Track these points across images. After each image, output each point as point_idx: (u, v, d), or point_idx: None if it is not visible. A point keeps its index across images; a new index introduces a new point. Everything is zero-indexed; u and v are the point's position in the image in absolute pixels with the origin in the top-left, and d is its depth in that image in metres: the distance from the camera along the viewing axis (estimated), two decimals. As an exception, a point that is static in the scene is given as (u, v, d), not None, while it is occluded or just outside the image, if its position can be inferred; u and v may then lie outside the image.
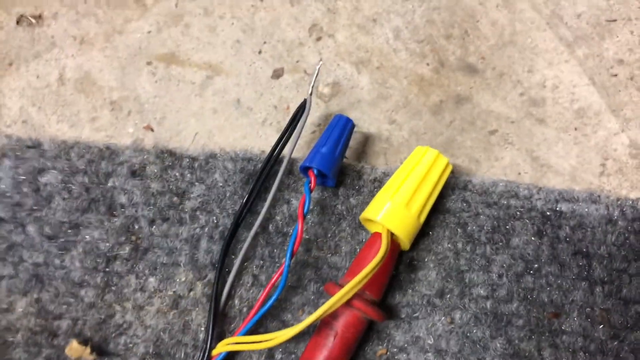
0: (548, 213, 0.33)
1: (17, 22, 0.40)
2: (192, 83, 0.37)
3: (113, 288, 0.30)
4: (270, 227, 0.32)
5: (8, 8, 0.40)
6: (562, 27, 0.38)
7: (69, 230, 0.31)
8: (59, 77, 0.38)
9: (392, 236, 0.30)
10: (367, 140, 0.36)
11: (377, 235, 0.30)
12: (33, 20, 0.40)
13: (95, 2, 0.40)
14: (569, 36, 0.38)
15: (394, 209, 0.29)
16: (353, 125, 0.33)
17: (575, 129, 0.36)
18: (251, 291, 0.31)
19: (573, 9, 0.39)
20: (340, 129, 0.32)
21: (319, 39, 0.38)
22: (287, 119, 0.36)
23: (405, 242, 0.30)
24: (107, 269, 0.30)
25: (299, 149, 0.34)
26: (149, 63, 0.38)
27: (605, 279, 0.32)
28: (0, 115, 0.37)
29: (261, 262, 0.31)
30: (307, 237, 0.32)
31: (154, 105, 0.37)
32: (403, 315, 0.31)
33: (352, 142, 0.35)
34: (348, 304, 0.29)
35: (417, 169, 0.30)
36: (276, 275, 0.30)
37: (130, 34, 0.39)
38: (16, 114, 0.37)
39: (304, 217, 0.30)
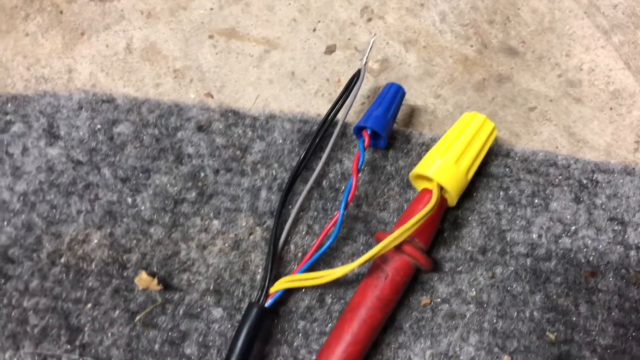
0: (585, 182, 0.35)
1: (90, -3, 0.43)
2: (251, 56, 0.40)
3: (179, 228, 0.32)
4: (324, 183, 0.34)
5: (81, -16, 0.43)
6: (599, 16, 0.41)
7: (141, 174, 0.33)
8: (126, 47, 0.41)
9: (441, 191, 0.32)
10: (413, 112, 0.38)
11: (426, 191, 0.32)
12: (104, -4, 0.43)
13: (162, -20, 0.43)
14: (606, 24, 0.40)
15: (444, 165, 0.31)
16: (404, 92, 0.35)
17: (611, 108, 0.38)
18: (306, 239, 0.33)
19: (610, 0, 0.41)
20: (392, 94, 0.35)
21: (369, 19, 0.41)
22: (338, 91, 0.39)
23: (452, 198, 0.32)
24: (175, 210, 0.33)
25: (350, 116, 0.37)
26: (210, 37, 0.41)
27: (639, 244, 0.33)
28: (71, 79, 0.40)
29: (315, 213, 0.34)
30: (357, 194, 0.34)
31: (214, 75, 0.40)
32: (447, 269, 0.33)
33: (400, 114, 0.37)
34: (398, 249, 0.31)
35: (466, 131, 0.33)
36: (330, 224, 0.32)
37: (194, 10, 0.42)
38: (86, 79, 0.40)
39: (358, 171, 0.32)
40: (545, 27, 0.41)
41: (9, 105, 0.35)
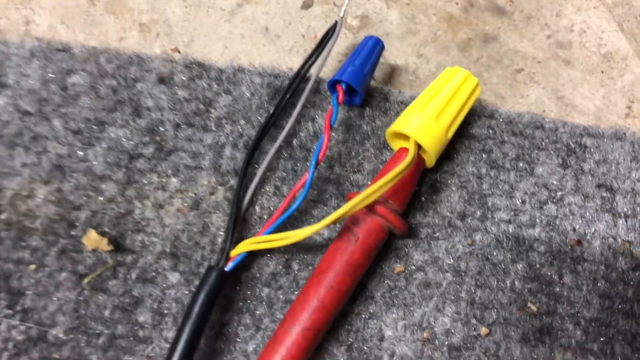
0: (573, 146, 0.33)
1: (50, -56, 0.40)
2: (222, 10, 0.37)
3: (134, 185, 0.30)
4: (295, 142, 0.32)
5: None
6: (593, -26, 0.38)
7: (94, 127, 0.31)
8: (89, -2, 0.38)
9: (418, 149, 0.29)
10: (394, 71, 0.35)
11: (403, 150, 0.30)
12: (66, -57, 0.40)
13: None
14: (599, -17, 0.38)
15: (423, 122, 0.29)
16: (382, 46, 0.33)
17: (602, 71, 0.36)
18: (272, 200, 0.30)
19: (604, -43, 0.39)
20: (370, 48, 0.32)
21: (349, -27, 0.38)
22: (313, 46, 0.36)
23: (431, 157, 0.30)
24: (130, 166, 0.30)
25: (326, 73, 0.34)
26: (180, -11, 0.38)
27: (629, 212, 0.31)
28: (29, 31, 0.37)
29: (284, 174, 0.31)
30: (330, 154, 0.32)
31: (182, 29, 0.37)
32: (423, 235, 0.31)
33: (380, 74, 0.35)
34: (371, 210, 0.28)
35: (448, 86, 0.30)
36: (299, 184, 0.29)
37: (162, -40, 0.39)
38: (45, 31, 0.37)
39: (331, 128, 0.30)
40: (535, -14, 0.38)
41: (-46, 51, 0.32)
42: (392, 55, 0.36)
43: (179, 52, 0.36)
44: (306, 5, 0.38)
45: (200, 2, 0.38)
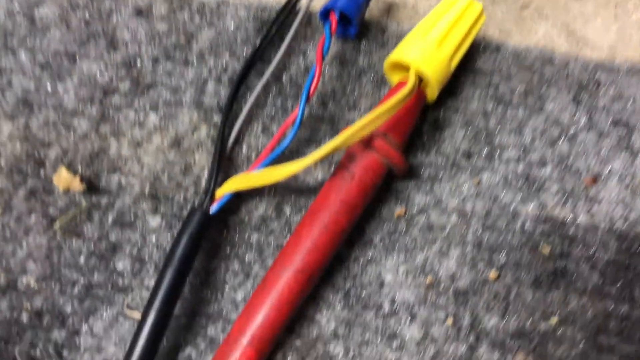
0: (585, 82, 0.30)
1: None
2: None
3: (109, 121, 0.27)
4: (284, 78, 0.29)
5: None
6: None
7: (65, 61, 0.28)
8: None
9: (420, 82, 0.27)
10: (391, 7, 0.33)
11: (402, 83, 0.28)
12: None
13: None
14: None
15: (424, 49, 0.27)
16: (379, -27, 0.30)
17: (616, 5, 0.33)
18: (260, 139, 0.28)
19: None
20: (366, -27, 0.29)
21: None
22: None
23: (434, 89, 0.27)
24: (104, 102, 0.27)
25: (317, 3, 0.31)
26: None
27: (647, 150, 0.29)
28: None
29: (272, 111, 0.29)
30: (324, 90, 0.29)
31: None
32: (425, 176, 0.28)
33: (375, 9, 0.32)
34: (368, 145, 0.26)
35: (450, 12, 0.28)
36: (289, 120, 0.27)
37: None
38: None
39: (323, 59, 0.27)
40: None
41: None
42: (390, -12, 0.33)
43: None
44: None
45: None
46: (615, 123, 0.30)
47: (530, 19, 0.33)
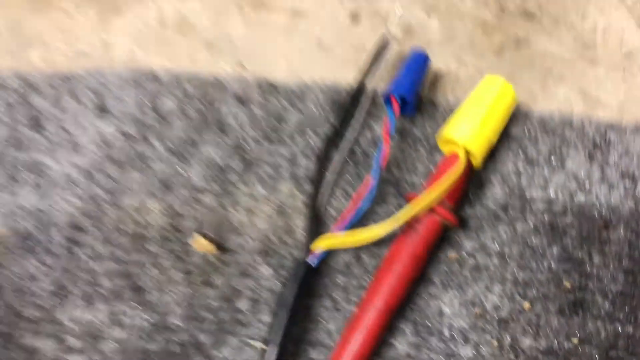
0: (598, 141, 0.38)
1: (121, -30, 0.45)
2: (279, 26, 0.42)
3: (228, 195, 0.35)
4: (357, 150, 0.37)
5: (112, -43, 0.44)
6: (614, -22, 0.42)
7: (189, 146, 0.36)
8: (159, 20, 0.43)
9: (467, 154, 0.35)
10: (436, 76, 0.40)
11: (453, 155, 0.35)
12: (134, -31, 0.45)
13: (190, -48, 0.45)
14: (620, -14, 0.42)
15: (470, 130, 0.34)
16: (429, 60, 0.38)
17: (624, 69, 0.40)
18: (342, 202, 0.36)
19: (624, -39, 0.43)
20: (418, 62, 0.37)
21: (393, -13, 0.43)
22: (364, 58, 0.41)
23: (478, 160, 0.35)
24: (223, 179, 0.36)
25: (378, 83, 0.39)
26: (240, 8, 0.43)
27: (648, 197, 0.37)
28: (108, 53, 0.42)
29: (350, 178, 0.37)
30: (388, 159, 0.37)
31: (245, 46, 0.42)
32: (472, 226, 0.36)
33: (424, 83, 0.40)
34: (430, 210, 0.34)
35: (489, 94, 0.35)
36: (364, 187, 0.35)
37: (223, -18, 0.43)
38: (122, 52, 0.42)
39: (389, 136, 0.35)
40: (562, -10, 0.42)
41: (61, 84, 0.37)
42: (435, 60, 0.40)
43: (244, 67, 0.41)
44: (355, 19, 0.42)
45: (259, 19, 0.43)
46: (623, 176, 0.37)
47: (552, 82, 0.40)
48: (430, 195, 0.32)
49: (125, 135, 0.36)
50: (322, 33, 0.41)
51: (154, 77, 0.38)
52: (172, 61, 0.41)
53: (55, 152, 0.36)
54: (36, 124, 0.37)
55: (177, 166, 0.36)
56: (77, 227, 0.35)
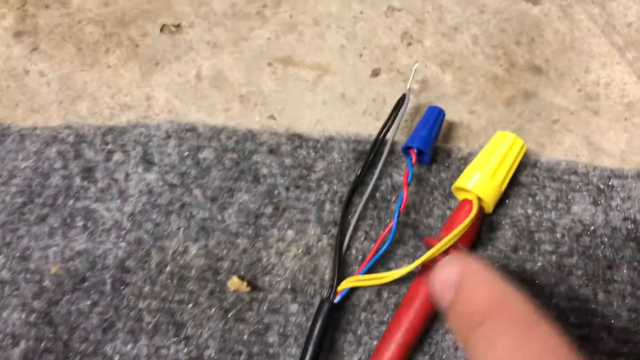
0: (602, 187, 0.41)
1: (161, 30, 0.49)
2: (306, 80, 0.46)
3: (261, 238, 0.39)
4: (377, 195, 0.41)
5: (153, 19, 0.49)
6: (615, 34, 0.46)
7: (226, 194, 0.40)
8: (196, 75, 0.47)
9: (479, 201, 0.38)
10: (451, 126, 0.44)
11: (466, 201, 0.39)
12: (173, 29, 0.49)
13: (224, 13, 0.49)
14: (620, 42, 0.46)
15: (482, 179, 0.38)
16: (444, 114, 0.41)
17: (625, 119, 0.44)
18: (364, 244, 0.39)
19: (624, 19, 0.46)
20: (435, 116, 0.41)
21: (409, 44, 0.47)
22: (384, 110, 0.45)
23: (489, 206, 0.38)
24: (256, 224, 0.39)
25: (397, 135, 0.43)
26: (269, 64, 0.47)
27: (650, 240, 0.39)
28: (150, 106, 0.46)
29: (371, 221, 0.40)
30: (407, 203, 0.41)
31: (275, 99, 0.46)
32: (484, 266, 0.39)
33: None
34: (445, 252, 0.37)
35: (500, 148, 0.39)
36: (385, 231, 0.38)
37: (254, 40, 0.48)
38: (163, 105, 0.46)
39: (408, 185, 0.39)
40: (567, 46, 0.46)
41: (109, 136, 0.41)
42: (449, 113, 0.44)
43: (274, 119, 0.45)
44: (374, 74, 0.46)
45: (287, 74, 0.47)
46: (625, 219, 0.40)
47: (559, 132, 0.44)
48: (444, 241, 0.35)
49: (168, 184, 0.40)
50: (344, 87, 0.45)
51: (194, 131, 0.42)
52: (208, 113, 0.45)
53: (105, 199, 0.40)
54: (87, 173, 0.41)
55: (214, 212, 0.39)
56: (124, 268, 0.38)
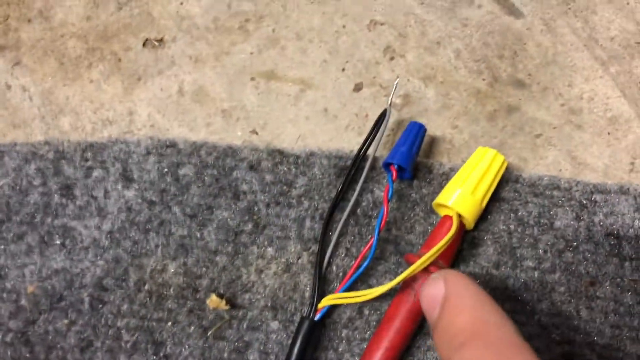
0: (585, 202, 0.41)
1: (144, 45, 0.49)
2: (288, 95, 0.46)
3: (240, 255, 0.39)
4: (359, 211, 0.40)
5: (136, 33, 0.49)
6: (598, 49, 0.46)
7: (205, 211, 0.40)
8: (178, 90, 0.47)
9: (459, 217, 0.38)
10: (433, 141, 0.44)
11: (447, 217, 0.38)
12: (156, 43, 0.49)
13: (206, 28, 0.49)
14: (604, 56, 0.46)
15: (462, 195, 0.37)
16: (425, 130, 0.41)
17: (608, 133, 0.44)
18: (345, 260, 0.39)
19: (607, 33, 0.46)
20: (415, 132, 0.40)
21: (392, 58, 0.47)
22: (367, 125, 0.45)
23: (470, 223, 0.38)
24: (235, 241, 0.39)
25: (379, 150, 0.42)
26: (252, 79, 0.47)
27: (633, 255, 0.39)
28: (132, 120, 0.46)
29: (352, 238, 0.40)
30: (388, 219, 0.40)
31: (257, 113, 0.46)
32: (466, 282, 0.39)
33: (421, 150, 0.43)
34: (425, 269, 0.37)
35: (480, 164, 0.38)
36: (366, 248, 0.38)
37: (236, 55, 0.48)
38: (145, 119, 0.46)
39: (388, 202, 0.38)
40: (549, 60, 0.46)
41: (89, 153, 0.41)
42: (431, 127, 0.44)
43: (256, 133, 0.45)
44: (357, 88, 0.46)
45: (270, 89, 0.46)
46: (608, 235, 0.40)
47: (542, 147, 0.44)
48: (423, 259, 0.35)
49: (147, 201, 0.40)
50: (327, 101, 0.45)
51: (174, 147, 0.41)
52: (190, 128, 0.44)
53: (84, 217, 0.40)
54: (66, 190, 0.41)
55: (193, 229, 0.39)
56: (102, 287, 0.38)
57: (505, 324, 0.27)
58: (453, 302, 0.29)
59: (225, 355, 0.37)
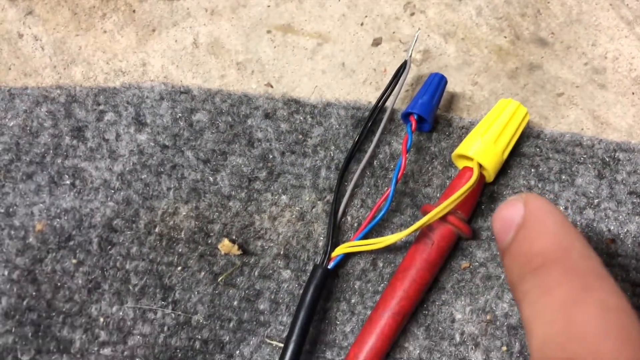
0: (607, 160, 0.40)
1: (159, -4, 0.48)
2: (305, 49, 0.45)
3: (254, 202, 0.38)
4: (375, 163, 0.39)
5: (151, -16, 0.48)
6: (624, 8, 0.45)
7: (219, 156, 0.39)
8: (193, 42, 0.46)
9: (480, 168, 0.37)
10: (453, 98, 0.43)
11: (467, 169, 0.37)
12: (172, -5, 0.48)
13: (223, -20, 0.48)
14: (629, 15, 0.45)
15: (483, 145, 0.36)
16: (446, 81, 0.40)
17: (633, 93, 0.42)
18: (360, 211, 0.38)
19: (633, -8, 0.45)
20: (436, 83, 0.39)
21: (412, 14, 0.46)
22: (385, 80, 0.44)
23: (490, 175, 0.37)
24: (249, 187, 0.38)
25: (397, 103, 0.41)
26: (268, 32, 0.46)
27: (656, 215, 0.38)
28: (145, 71, 0.45)
29: (368, 189, 0.39)
30: (405, 172, 0.39)
31: (273, 67, 0.45)
32: (484, 237, 0.38)
33: (441, 100, 0.42)
34: (444, 219, 0.36)
35: (502, 115, 0.37)
36: (382, 199, 0.37)
37: (253, 7, 0.47)
38: (159, 71, 0.45)
39: (407, 152, 0.37)
40: (573, 19, 0.45)
41: (101, 97, 0.40)
42: (451, 84, 0.43)
43: (271, 86, 0.44)
44: (376, 43, 0.45)
45: (287, 42, 0.45)
46: (631, 193, 0.39)
47: (564, 106, 0.42)
48: (443, 205, 0.34)
49: (160, 145, 0.39)
50: (344, 55, 0.44)
51: (188, 93, 0.41)
52: (204, 80, 0.44)
53: (94, 158, 0.39)
54: (77, 133, 0.40)
55: (207, 174, 0.38)
56: (112, 228, 0.37)
57: (591, 255, 0.24)
58: (532, 225, 0.25)
59: (235, 303, 0.36)
